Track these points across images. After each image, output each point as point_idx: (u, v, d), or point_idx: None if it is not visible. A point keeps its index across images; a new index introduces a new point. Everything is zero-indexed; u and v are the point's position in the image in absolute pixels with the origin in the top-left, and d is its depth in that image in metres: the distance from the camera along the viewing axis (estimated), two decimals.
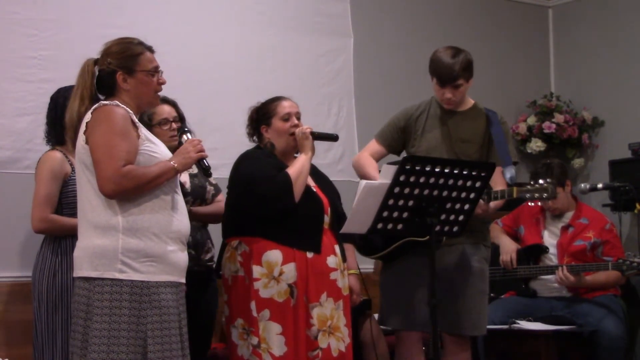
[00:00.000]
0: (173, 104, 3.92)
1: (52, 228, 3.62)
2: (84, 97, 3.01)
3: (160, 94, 3.48)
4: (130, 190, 2.90)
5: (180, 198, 3.08)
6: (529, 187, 3.71)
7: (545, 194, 3.67)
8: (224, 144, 4.68)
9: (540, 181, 3.71)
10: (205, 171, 3.17)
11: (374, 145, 3.95)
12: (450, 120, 3.82)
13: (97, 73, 3.05)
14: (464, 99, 3.84)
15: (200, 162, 3.12)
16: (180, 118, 3.91)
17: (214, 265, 3.89)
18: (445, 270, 3.63)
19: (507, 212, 5.14)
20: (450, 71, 3.69)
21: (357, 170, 3.91)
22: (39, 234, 3.71)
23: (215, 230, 3.97)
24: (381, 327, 4.23)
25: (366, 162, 3.86)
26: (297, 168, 3.57)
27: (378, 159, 3.94)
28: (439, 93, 3.77)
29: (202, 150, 3.10)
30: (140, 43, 3.09)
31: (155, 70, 3.08)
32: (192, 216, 3.83)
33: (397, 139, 3.90)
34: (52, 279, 3.58)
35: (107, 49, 3.06)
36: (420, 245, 3.71)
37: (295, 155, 3.73)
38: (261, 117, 3.74)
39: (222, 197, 3.99)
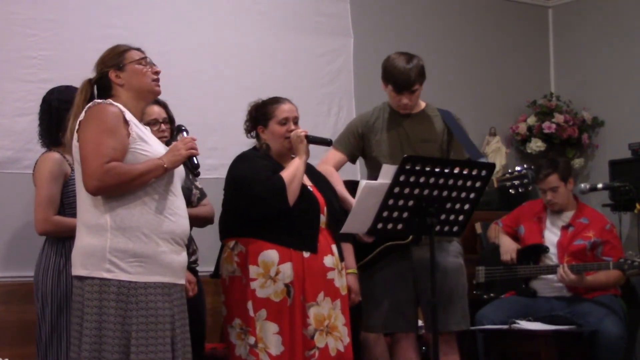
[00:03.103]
0: (163, 105, 3.89)
1: (56, 230, 3.61)
2: (76, 115, 3.04)
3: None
4: (113, 187, 2.89)
5: (176, 199, 3.07)
6: (507, 175, 3.73)
7: (526, 180, 3.69)
8: (224, 144, 4.68)
9: (518, 168, 3.73)
10: (193, 169, 3.14)
11: (334, 155, 4.00)
12: (406, 122, 3.89)
13: (95, 89, 3.10)
14: (417, 102, 3.90)
15: (189, 160, 3.09)
16: (170, 120, 3.89)
17: (197, 267, 3.92)
18: (424, 269, 3.62)
19: (503, 211, 5.16)
20: (406, 78, 3.76)
21: None
22: (40, 234, 3.70)
23: (209, 233, 3.97)
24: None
25: (332, 174, 3.90)
26: (291, 171, 3.57)
27: (339, 167, 4.01)
28: (395, 99, 3.84)
29: (193, 148, 3.07)
30: (126, 45, 3.14)
31: (144, 59, 3.10)
32: None
33: (357, 146, 3.98)
34: (57, 279, 3.57)
35: (99, 60, 3.13)
36: (400, 248, 3.73)
37: (292, 156, 3.72)
38: (259, 116, 3.74)
39: (207, 202, 3.98)
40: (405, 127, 3.88)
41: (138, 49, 3.14)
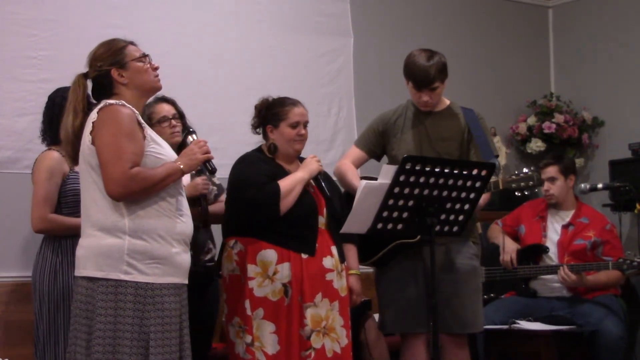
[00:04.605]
0: (172, 102, 3.92)
1: (52, 228, 3.62)
2: (77, 111, 3.02)
3: (160, 94, 3.50)
4: (137, 192, 2.89)
5: (184, 199, 3.09)
6: (513, 177, 3.74)
7: (531, 182, 3.70)
8: (224, 144, 4.68)
9: (525, 170, 3.74)
10: (212, 173, 3.19)
11: (354, 152, 3.99)
12: (428, 120, 3.86)
13: (89, 84, 3.06)
14: (440, 100, 3.87)
15: (206, 164, 3.14)
16: (180, 115, 3.91)
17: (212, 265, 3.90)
18: (436, 269, 3.61)
19: (504, 211, 5.16)
20: (426, 75, 3.72)
21: (339, 178, 3.94)
22: (39, 234, 3.71)
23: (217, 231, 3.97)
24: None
25: (347, 170, 3.89)
26: (289, 183, 3.57)
27: (359, 165, 3.99)
28: (416, 96, 3.82)
29: (208, 152, 3.10)
30: (121, 40, 3.10)
31: (144, 56, 3.08)
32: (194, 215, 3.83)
33: (377, 144, 3.95)
34: (54, 279, 3.58)
35: (93, 55, 3.08)
36: (411, 246, 3.72)
37: (298, 157, 3.73)
38: (270, 116, 3.72)
39: (224, 198, 3.96)
40: (427, 125, 3.85)
41: (132, 43, 3.10)
